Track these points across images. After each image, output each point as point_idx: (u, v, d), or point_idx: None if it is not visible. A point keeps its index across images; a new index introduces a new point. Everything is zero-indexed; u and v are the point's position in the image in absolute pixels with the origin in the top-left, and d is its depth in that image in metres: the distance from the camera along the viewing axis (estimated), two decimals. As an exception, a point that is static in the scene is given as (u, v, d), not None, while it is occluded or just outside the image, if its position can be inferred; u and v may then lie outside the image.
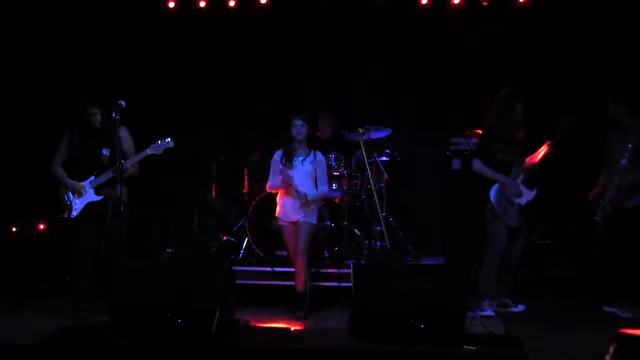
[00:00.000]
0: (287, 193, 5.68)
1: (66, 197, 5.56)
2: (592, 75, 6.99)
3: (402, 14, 7.84)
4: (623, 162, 5.63)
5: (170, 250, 7.25)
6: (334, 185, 6.55)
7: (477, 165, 5.74)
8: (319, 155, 5.77)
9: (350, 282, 4.62)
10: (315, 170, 5.69)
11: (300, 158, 5.69)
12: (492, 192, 5.67)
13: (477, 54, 7.74)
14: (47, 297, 6.01)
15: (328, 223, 6.49)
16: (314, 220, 5.67)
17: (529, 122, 5.86)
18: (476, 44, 7.74)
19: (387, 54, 7.92)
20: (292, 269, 5.94)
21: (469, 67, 7.76)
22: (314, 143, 5.86)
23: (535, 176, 5.76)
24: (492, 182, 5.70)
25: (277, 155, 5.76)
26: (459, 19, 7.76)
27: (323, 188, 5.71)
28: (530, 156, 5.80)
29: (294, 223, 5.64)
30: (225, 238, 7.09)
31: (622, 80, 5.99)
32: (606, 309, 5.70)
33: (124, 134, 5.64)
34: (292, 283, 5.76)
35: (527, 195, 5.67)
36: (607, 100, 5.75)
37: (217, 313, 4.46)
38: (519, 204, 5.65)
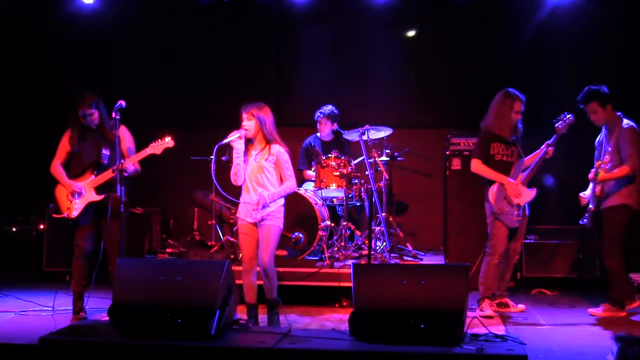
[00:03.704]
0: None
1: (66, 197, 5.55)
2: (591, 73, 7.02)
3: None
4: (605, 158, 5.61)
5: (170, 251, 7.25)
6: (332, 184, 6.53)
7: (476, 165, 5.73)
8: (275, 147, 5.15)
9: (350, 282, 4.61)
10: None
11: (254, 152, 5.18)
12: (492, 192, 5.67)
13: (477, 53, 7.75)
14: (47, 297, 6.00)
15: (328, 223, 6.48)
16: (279, 222, 5.16)
17: (528, 122, 5.87)
18: (476, 44, 7.75)
19: (387, 53, 7.93)
20: (293, 269, 5.95)
21: (469, 67, 7.77)
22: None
23: (534, 176, 5.77)
24: (492, 182, 5.70)
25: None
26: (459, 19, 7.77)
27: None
28: (530, 156, 5.80)
29: (255, 225, 5.12)
30: (225, 238, 7.09)
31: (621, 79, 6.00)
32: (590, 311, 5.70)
33: (124, 133, 5.64)
34: (292, 283, 5.77)
35: (527, 195, 5.66)
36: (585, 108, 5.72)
37: (217, 313, 4.45)
38: (519, 204, 5.65)
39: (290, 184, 5.16)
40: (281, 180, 5.17)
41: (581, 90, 5.76)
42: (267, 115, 5.13)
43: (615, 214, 5.60)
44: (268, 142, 5.13)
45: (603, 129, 5.80)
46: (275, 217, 5.12)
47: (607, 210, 5.62)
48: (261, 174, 5.08)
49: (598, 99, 5.63)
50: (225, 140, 5.12)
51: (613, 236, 5.61)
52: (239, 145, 5.09)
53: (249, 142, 5.15)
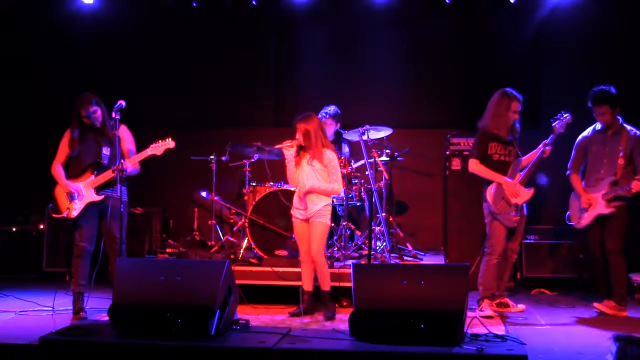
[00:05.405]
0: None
1: (66, 197, 5.56)
2: (589, 73, 7.03)
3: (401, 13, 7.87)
4: (620, 162, 5.61)
5: (170, 251, 7.25)
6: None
7: (474, 165, 5.73)
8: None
9: (350, 282, 4.62)
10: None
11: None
12: (489, 192, 5.67)
13: (477, 53, 7.75)
14: (47, 297, 6.01)
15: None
16: (325, 220, 5.56)
17: (526, 122, 5.86)
18: (476, 44, 7.76)
19: (387, 53, 7.93)
20: (293, 269, 5.95)
21: (469, 67, 7.78)
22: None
23: (532, 176, 5.76)
24: (490, 182, 5.70)
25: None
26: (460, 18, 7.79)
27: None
28: (527, 155, 5.80)
29: (306, 220, 5.59)
30: (225, 238, 7.09)
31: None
32: (595, 305, 5.72)
33: (124, 133, 5.65)
34: (292, 283, 5.80)
35: (525, 195, 5.66)
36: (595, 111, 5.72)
37: (217, 313, 4.46)
38: (517, 204, 5.64)
39: (334, 186, 5.56)
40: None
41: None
42: (310, 126, 5.54)
43: (623, 212, 5.64)
44: (316, 149, 5.54)
45: (591, 131, 5.81)
46: (321, 214, 5.53)
47: (617, 208, 5.63)
48: (310, 176, 5.53)
49: (610, 102, 5.62)
50: (278, 146, 5.73)
51: (621, 233, 5.65)
52: (287, 152, 5.61)
53: (304, 148, 5.59)
